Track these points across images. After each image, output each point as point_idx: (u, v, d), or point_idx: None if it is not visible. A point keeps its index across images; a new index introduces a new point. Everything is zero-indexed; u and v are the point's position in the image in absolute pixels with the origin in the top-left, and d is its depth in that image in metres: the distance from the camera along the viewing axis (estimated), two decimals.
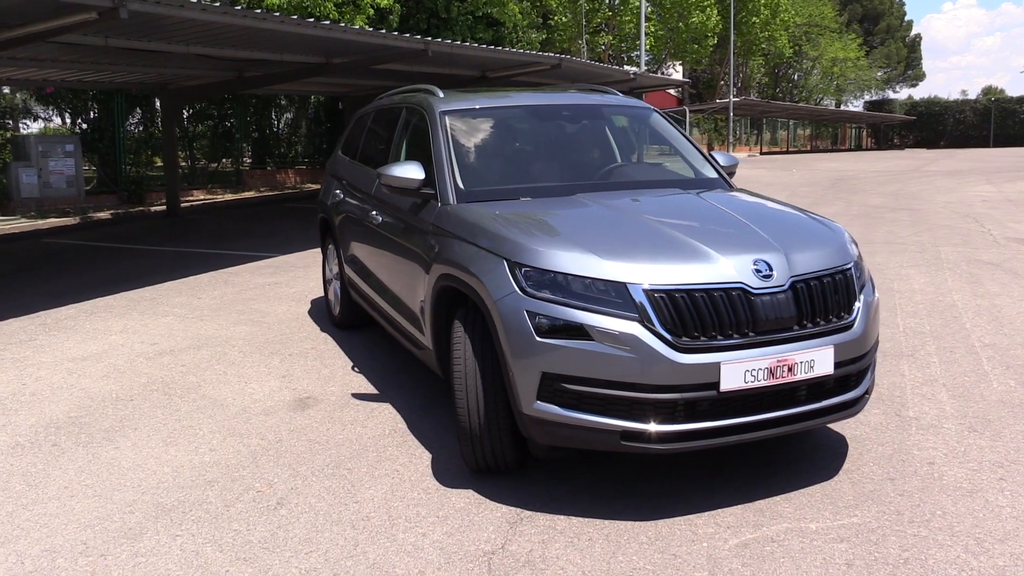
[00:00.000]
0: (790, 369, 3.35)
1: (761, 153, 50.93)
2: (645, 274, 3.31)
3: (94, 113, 17.09)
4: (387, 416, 4.63)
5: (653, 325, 3.24)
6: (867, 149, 64.98)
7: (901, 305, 7.09)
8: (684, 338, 3.25)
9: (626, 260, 3.38)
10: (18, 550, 3.27)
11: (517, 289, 3.42)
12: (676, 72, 50.77)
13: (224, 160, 21.44)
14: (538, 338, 3.33)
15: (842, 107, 67.18)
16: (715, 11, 42.94)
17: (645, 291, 3.27)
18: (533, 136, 4.90)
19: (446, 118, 4.72)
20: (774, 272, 3.41)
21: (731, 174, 5.05)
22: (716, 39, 45.22)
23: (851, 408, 3.62)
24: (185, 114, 19.54)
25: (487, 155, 4.71)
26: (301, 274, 9.11)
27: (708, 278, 3.32)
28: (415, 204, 4.53)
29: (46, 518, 3.53)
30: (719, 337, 3.28)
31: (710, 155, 5.05)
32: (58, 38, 8.59)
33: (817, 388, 3.49)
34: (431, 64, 14.96)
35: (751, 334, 3.32)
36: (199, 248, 11.35)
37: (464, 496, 3.66)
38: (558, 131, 4.96)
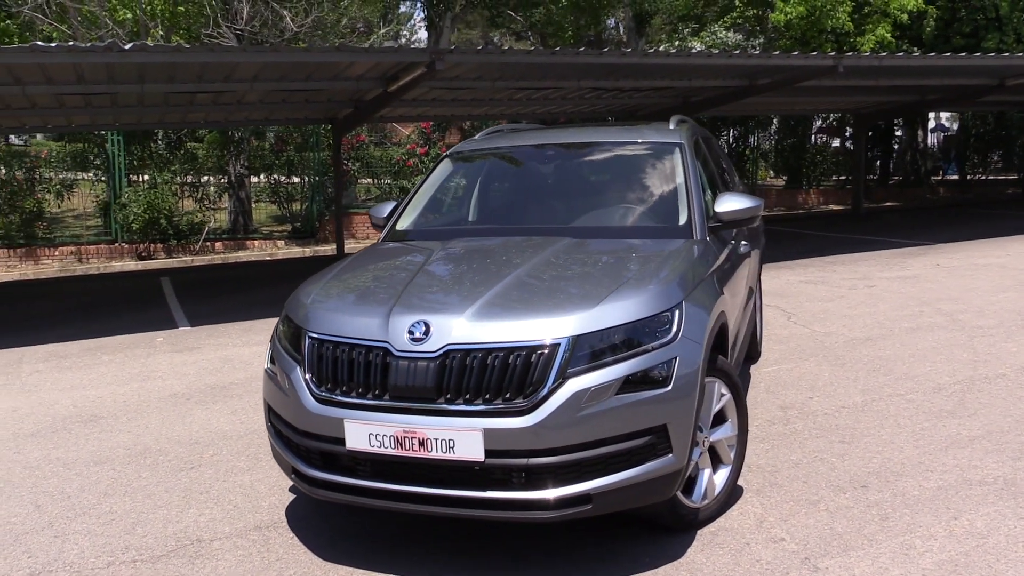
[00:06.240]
0: (421, 443, 3.11)
1: None
2: (316, 321, 3.45)
3: None
4: None
5: (305, 370, 3.38)
6: None
7: None
8: (322, 388, 3.32)
9: (318, 305, 3.56)
10: None
11: (280, 321, 3.86)
12: None
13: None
14: (266, 367, 3.74)
15: None
16: None
17: (309, 336, 3.42)
18: (505, 178, 4.85)
19: (446, 159, 5.04)
20: (429, 337, 3.17)
21: (734, 220, 4.24)
22: None
23: (525, 511, 3.10)
24: None
25: (448, 196, 4.88)
26: None
27: (357, 332, 3.32)
28: None
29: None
30: (351, 394, 3.25)
31: (712, 199, 4.34)
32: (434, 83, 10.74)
33: (481, 474, 3.11)
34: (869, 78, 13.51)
35: (385, 397, 3.19)
36: None
37: (278, 498, 4.19)
38: (539, 172, 4.78)
